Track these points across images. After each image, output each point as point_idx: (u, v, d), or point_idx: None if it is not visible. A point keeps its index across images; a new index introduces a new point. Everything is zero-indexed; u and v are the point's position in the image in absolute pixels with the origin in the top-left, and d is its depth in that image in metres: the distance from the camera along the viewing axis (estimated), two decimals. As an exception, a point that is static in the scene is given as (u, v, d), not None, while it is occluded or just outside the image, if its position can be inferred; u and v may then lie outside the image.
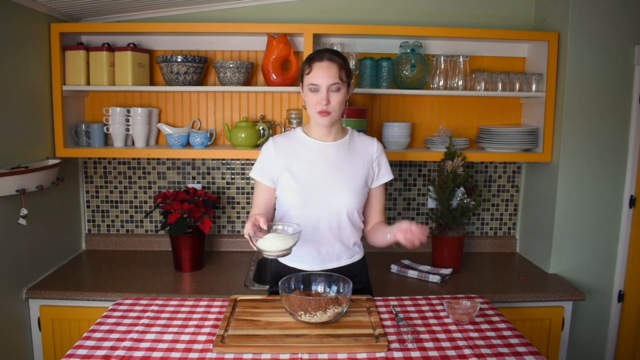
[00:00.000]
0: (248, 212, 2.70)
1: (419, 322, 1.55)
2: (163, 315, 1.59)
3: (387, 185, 1.87)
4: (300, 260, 1.75)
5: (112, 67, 2.37)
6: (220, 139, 2.61)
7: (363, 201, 1.77)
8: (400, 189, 2.72)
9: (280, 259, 1.77)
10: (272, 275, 1.85)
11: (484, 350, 1.38)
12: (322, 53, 1.65)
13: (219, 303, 1.68)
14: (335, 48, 2.39)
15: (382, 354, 1.35)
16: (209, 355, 1.35)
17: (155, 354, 1.34)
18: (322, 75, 1.62)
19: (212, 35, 2.49)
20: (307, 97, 1.66)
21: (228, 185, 2.69)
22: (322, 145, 1.73)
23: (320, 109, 1.63)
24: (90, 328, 1.49)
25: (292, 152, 1.73)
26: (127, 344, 1.39)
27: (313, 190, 1.69)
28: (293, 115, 2.48)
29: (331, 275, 1.63)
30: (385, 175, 1.81)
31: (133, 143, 2.49)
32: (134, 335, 1.44)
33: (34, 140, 2.24)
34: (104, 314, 1.59)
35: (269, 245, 1.49)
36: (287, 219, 1.72)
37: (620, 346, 2.50)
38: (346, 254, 1.77)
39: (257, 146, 2.44)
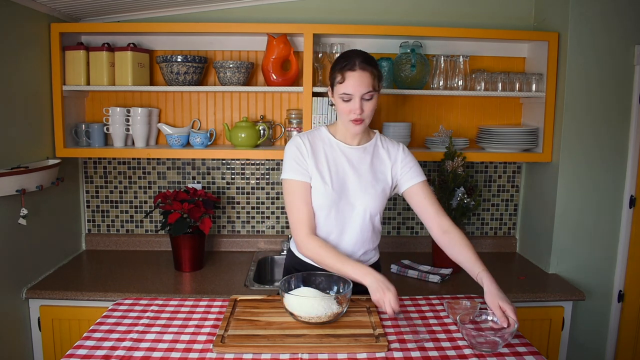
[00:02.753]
0: (248, 212, 2.70)
1: (419, 322, 1.55)
2: (163, 315, 1.58)
3: (429, 185, 1.76)
4: None
5: (112, 67, 2.37)
6: (220, 139, 2.61)
7: (384, 205, 1.75)
8: (400, 189, 2.72)
9: (299, 255, 1.77)
10: (285, 268, 1.84)
11: (484, 350, 1.38)
12: (353, 60, 1.59)
13: (219, 303, 1.68)
14: (335, 48, 2.39)
15: (382, 354, 1.35)
16: (209, 355, 1.35)
17: (155, 354, 1.34)
18: (356, 85, 1.58)
19: (212, 35, 2.49)
20: (339, 105, 1.64)
21: (228, 185, 2.69)
22: (347, 149, 1.72)
23: (353, 118, 1.62)
24: (90, 328, 1.49)
25: (319, 152, 1.71)
26: (127, 344, 1.39)
27: (337, 192, 1.68)
28: (293, 115, 2.48)
29: (331, 275, 1.63)
30: (416, 176, 1.73)
31: (133, 143, 2.49)
32: (134, 335, 1.44)
33: (34, 140, 2.24)
34: (104, 314, 1.59)
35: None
36: None
37: (620, 346, 2.50)
38: (364, 257, 1.77)
39: (257, 146, 2.44)
